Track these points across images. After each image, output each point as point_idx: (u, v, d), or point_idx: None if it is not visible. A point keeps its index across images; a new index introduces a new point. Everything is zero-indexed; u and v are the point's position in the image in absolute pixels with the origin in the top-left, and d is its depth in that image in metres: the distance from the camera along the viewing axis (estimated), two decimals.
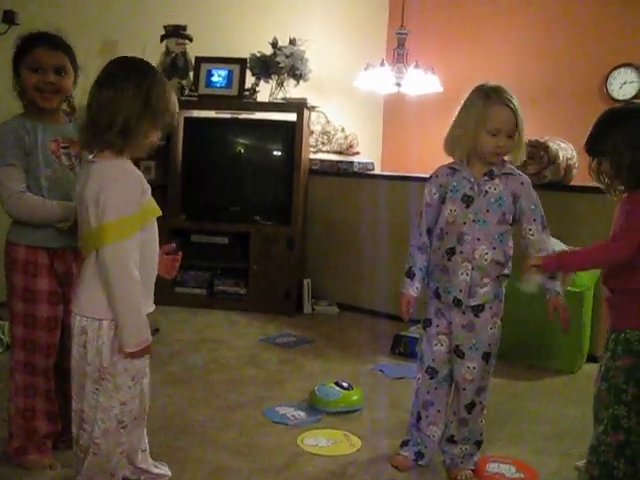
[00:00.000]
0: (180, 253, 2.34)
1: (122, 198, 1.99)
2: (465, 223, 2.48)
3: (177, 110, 2.14)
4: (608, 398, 2.30)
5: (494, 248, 2.50)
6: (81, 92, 2.44)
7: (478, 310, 2.54)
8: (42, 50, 2.42)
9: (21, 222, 2.43)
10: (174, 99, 2.12)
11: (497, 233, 2.50)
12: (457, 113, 2.51)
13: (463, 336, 2.56)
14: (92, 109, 2.02)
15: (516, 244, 2.56)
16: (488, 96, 2.43)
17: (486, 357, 2.58)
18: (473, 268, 2.49)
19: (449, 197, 2.51)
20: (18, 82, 2.45)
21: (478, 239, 2.48)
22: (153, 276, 2.18)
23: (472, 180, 2.49)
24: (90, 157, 2.08)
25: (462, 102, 2.51)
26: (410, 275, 2.59)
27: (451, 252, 2.50)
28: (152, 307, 2.17)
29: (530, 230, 2.51)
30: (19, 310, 2.46)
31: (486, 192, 2.49)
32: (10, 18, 4.37)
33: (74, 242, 2.37)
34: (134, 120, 2.00)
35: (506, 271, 2.55)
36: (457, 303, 2.52)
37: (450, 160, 2.59)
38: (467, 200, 2.49)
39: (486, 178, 2.49)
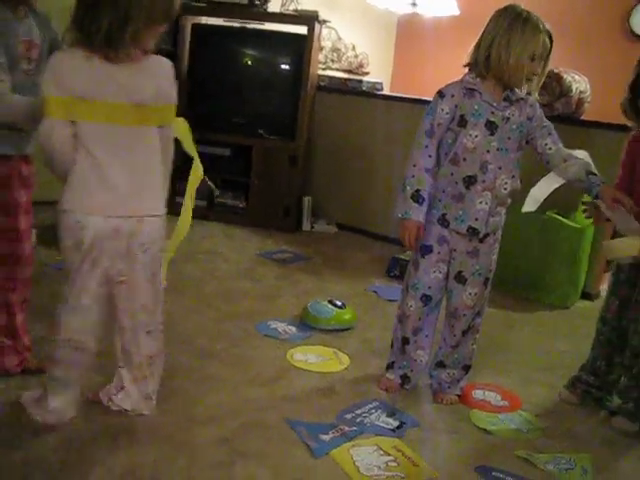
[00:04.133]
0: None
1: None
2: (489, 151, 2.40)
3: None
4: None
5: (512, 177, 2.46)
6: None
7: (484, 237, 2.51)
8: None
9: None
10: None
11: (515, 161, 2.46)
12: (490, 31, 2.36)
13: (466, 262, 2.53)
14: (79, 10, 1.92)
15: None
16: (531, 21, 2.33)
17: (486, 282, 2.58)
18: (491, 197, 2.44)
19: (470, 122, 2.40)
20: None
21: (500, 168, 2.42)
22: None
23: (495, 105, 2.40)
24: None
25: (495, 21, 2.36)
26: (419, 199, 2.43)
27: (470, 180, 2.42)
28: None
29: (547, 145, 2.46)
30: None
31: (507, 119, 2.42)
32: None
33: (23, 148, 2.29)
34: (117, 26, 1.89)
35: (510, 200, 2.53)
36: (472, 232, 2.47)
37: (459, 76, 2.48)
38: (491, 127, 2.40)
39: (506, 103, 2.42)
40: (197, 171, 2.33)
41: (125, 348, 2.25)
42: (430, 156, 2.44)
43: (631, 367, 2.58)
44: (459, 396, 2.69)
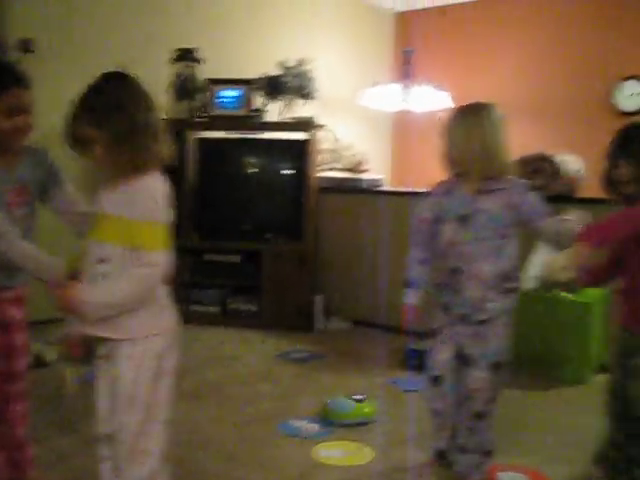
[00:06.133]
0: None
1: None
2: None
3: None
4: None
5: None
6: None
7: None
8: (19, 90, 2.15)
9: None
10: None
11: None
12: (452, 132, 2.56)
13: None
14: None
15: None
16: (488, 116, 2.53)
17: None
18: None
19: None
20: None
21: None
22: None
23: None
24: None
25: (452, 122, 2.57)
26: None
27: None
28: None
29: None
30: None
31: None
32: (26, 46, 4.48)
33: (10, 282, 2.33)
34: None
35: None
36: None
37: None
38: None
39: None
40: None
41: None
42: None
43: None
44: None
